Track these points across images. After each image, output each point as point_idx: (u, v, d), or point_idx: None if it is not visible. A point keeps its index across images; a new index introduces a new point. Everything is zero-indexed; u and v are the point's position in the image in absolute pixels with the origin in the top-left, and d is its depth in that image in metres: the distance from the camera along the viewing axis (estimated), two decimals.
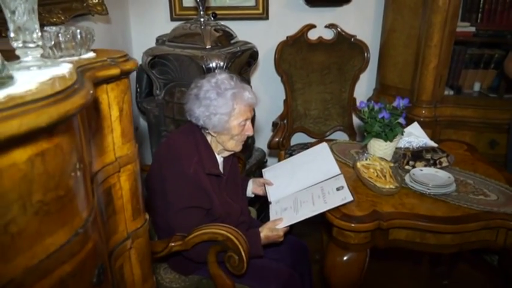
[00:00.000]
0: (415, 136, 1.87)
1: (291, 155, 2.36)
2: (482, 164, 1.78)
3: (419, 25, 2.32)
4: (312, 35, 2.62)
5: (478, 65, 2.47)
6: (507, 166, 2.10)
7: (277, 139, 2.27)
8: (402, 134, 1.73)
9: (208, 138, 1.48)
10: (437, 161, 1.69)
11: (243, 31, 2.35)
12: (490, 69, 2.47)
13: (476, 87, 2.49)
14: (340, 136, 2.77)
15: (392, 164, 1.65)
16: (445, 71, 2.33)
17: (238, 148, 1.49)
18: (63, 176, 0.59)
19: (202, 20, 2.11)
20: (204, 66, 1.94)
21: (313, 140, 2.67)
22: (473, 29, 2.37)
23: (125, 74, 0.84)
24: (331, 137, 2.74)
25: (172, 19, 2.59)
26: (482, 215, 1.39)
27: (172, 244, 1.35)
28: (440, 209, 1.43)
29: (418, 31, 2.34)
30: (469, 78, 2.51)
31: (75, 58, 0.80)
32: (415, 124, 1.93)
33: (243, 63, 2.14)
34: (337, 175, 1.57)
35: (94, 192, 0.74)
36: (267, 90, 2.75)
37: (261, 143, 2.68)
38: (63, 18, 1.65)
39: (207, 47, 2.03)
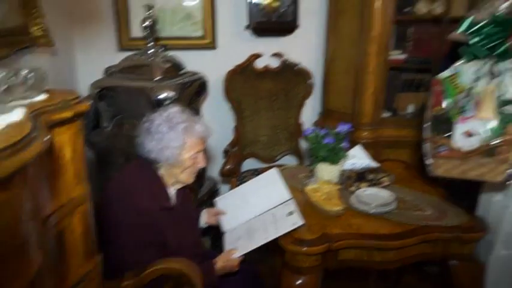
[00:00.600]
0: (358, 158, 1.99)
1: (242, 181, 2.40)
2: (419, 181, 1.93)
3: (357, 54, 2.49)
4: (259, 64, 2.73)
5: (410, 88, 2.69)
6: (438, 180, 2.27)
7: (229, 166, 2.32)
8: (346, 157, 1.85)
9: (161, 171, 1.49)
10: (379, 181, 1.82)
11: (191, 61, 2.41)
12: (421, 91, 2.69)
13: (410, 108, 2.70)
14: (290, 160, 2.87)
15: (338, 187, 1.75)
16: (382, 95, 2.51)
17: (191, 180, 1.52)
18: (18, 225, 0.60)
19: (150, 51, 2.14)
20: (153, 97, 1.96)
21: (263, 165, 2.75)
22: (404, 56, 2.59)
23: (78, 116, 0.86)
24: (280, 161, 2.84)
25: (121, 49, 2.59)
26: (420, 230, 1.51)
27: (126, 283, 1.32)
28: (384, 226, 1.54)
29: (356, 59, 2.51)
30: (404, 100, 2.72)
31: (27, 101, 0.81)
32: (358, 147, 2.06)
33: (192, 93, 2.19)
34: (288, 200, 1.64)
35: (46, 237, 0.74)
36: (217, 118, 2.81)
37: (213, 171, 2.71)
38: (6, 52, 1.61)
39: (156, 78, 2.06)
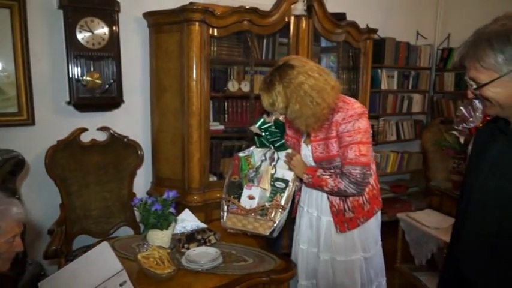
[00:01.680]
0: (187, 221, 2.14)
1: (72, 261, 2.27)
2: (243, 235, 2.17)
3: (181, 126, 2.74)
4: (85, 138, 2.72)
5: (231, 154, 3.04)
6: None
7: (54, 247, 2.17)
8: (176, 222, 1.98)
9: None
10: (207, 240, 1.99)
11: (6, 139, 2.26)
12: None
13: None
14: (125, 231, 2.84)
15: (169, 250, 1.84)
16: (207, 162, 2.78)
17: (6, 267, 1.41)
18: None
19: None
20: None
21: (97, 241, 2.65)
22: (222, 126, 2.96)
23: None
24: (116, 233, 2.78)
25: None
26: (243, 278, 1.71)
27: None
28: (213, 280, 1.68)
29: (180, 130, 2.75)
30: (227, 165, 3.05)
31: None
32: (187, 210, 2.22)
33: (5, 172, 2.05)
34: (120, 271, 1.65)
35: None
36: (41, 197, 2.63)
37: (36, 255, 2.47)
38: None
39: None
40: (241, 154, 2.04)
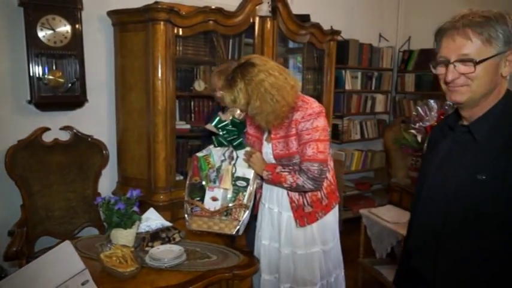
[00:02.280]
0: (152, 220, 2.15)
1: None
2: (210, 234, 2.20)
3: (146, 125, 2.74)
4: (47, 138, 2.67)
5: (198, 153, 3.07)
6: None
7: (14, 249, 2.13)
8: (140, 220, 1.98)
9: None
10: (171, 238, 2.01)
11: None
12: None
13: None
14: (90, 232, 2.80)
15: (133, 249, 1.85)
16: (173, 161, 2.79)
17: None
18: None
19: None
20: None
21: (59, 241, 2.61)
22: (189, 126, 2.97)
23: None
24: (80, 234, 2.74)
25: None
26: (207, 274, 1.73)
27: None
28: (176, 277, 1.70)
29: (146, 130, 2.74)
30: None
31: None
32: (151, 209, 2.22)
33: None
34: (82, 270, 1.65)
35: None
36: (1, 198, 2.56)
37: None
38: None
39: None
40: (199, 154, 2.05)
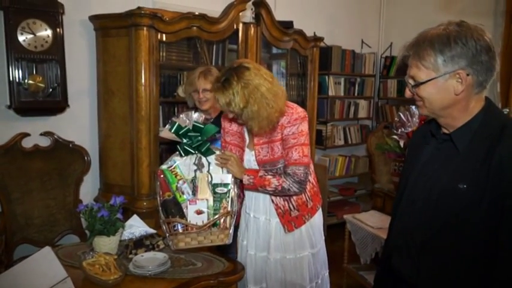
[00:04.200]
0: (136, 227, 2.12)
1: None
2: None
3: (129, 131, 2.70)
4: (27, 143, 2.61)
5: None
6: None
7: None
8: (123, 228, 1.95)
9: None
10: (155, 245, 1.98)
11: None
12: None
13: None
14: (71, 239, 2.75)
15: (116, 257, 1.82)
16: (157, 167, 2.74)
17: None
18: None
19: None
20: None
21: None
22: None
23: None
24: (61, 242, 2.69)
25: None
26: (192, 282, 1.72)
27: None
28: (160, 285, 1.68)
29: (129, 136, 2.71)
30: None
31: None
32: (135, 216, 2.19)
33: None
34: (64, 278, 1.61)
35: None
36: None
37: None
38: None
39: None
40: (163, 167, 1.85)
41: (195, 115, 1.84)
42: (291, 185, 1.77)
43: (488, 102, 1.15)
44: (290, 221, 1.87)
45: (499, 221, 1.05)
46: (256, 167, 1.86)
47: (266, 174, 1.80)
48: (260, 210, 1.93)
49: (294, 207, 1.86)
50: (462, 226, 1.10)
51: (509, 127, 1.09)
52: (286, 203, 1.86)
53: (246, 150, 1.91)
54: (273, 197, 1.87)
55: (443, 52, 1.07)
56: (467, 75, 1.07)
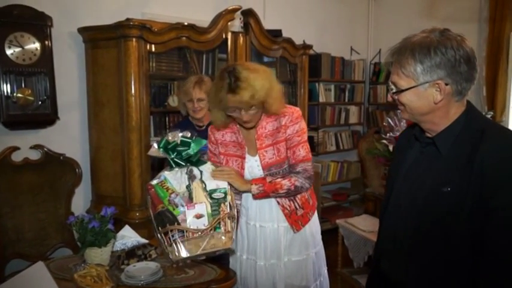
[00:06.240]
0: (128, 237, 2.12)
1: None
2: None
3: (120, 141, 2.70)
4: (17, 157, 2.60)
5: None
6: None
7: None
8: (115, 238, 1.95)
9: None
10: (147, 255, 1.97)
11: None
12: None
13: None
14: (63, 252, 2.72)
15: (108, 268, 1.81)
16: (149, 178, 2.74)
17: None
18: None
19: None
20: None
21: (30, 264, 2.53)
22: None
23: None
24: (53, 255, 2.66)
25: None
26: None
27: None
28: None
29: (120, 146, 2.71)
30: None
31: None
32: (127, 227, 2.18)
33: None
34: None
35: None
36: None
37: None
38: None
39: None
40: (154, 182, 1.79)
41: (180, 134, 1.75)
42: (303, 182, 1.81)
43: (470, 106, 1.17)
44: (297, 220, 1.89)
45: (482, 223, 1.06)
46: (260, 172, 1.83)
47: (275, 178, 1.79)
48: (266, 218, 1.90)
49: (299, 206, 1.89)
50: (447, 229, 1.11)
51: (489, 130, 1.11)
52: (291, 202, 1.87)
53: (248, 157, 1.87)
54: (278, 199, 1.86)
55: (423, 62, 1.08)
56: (446, 84, 1.09)
